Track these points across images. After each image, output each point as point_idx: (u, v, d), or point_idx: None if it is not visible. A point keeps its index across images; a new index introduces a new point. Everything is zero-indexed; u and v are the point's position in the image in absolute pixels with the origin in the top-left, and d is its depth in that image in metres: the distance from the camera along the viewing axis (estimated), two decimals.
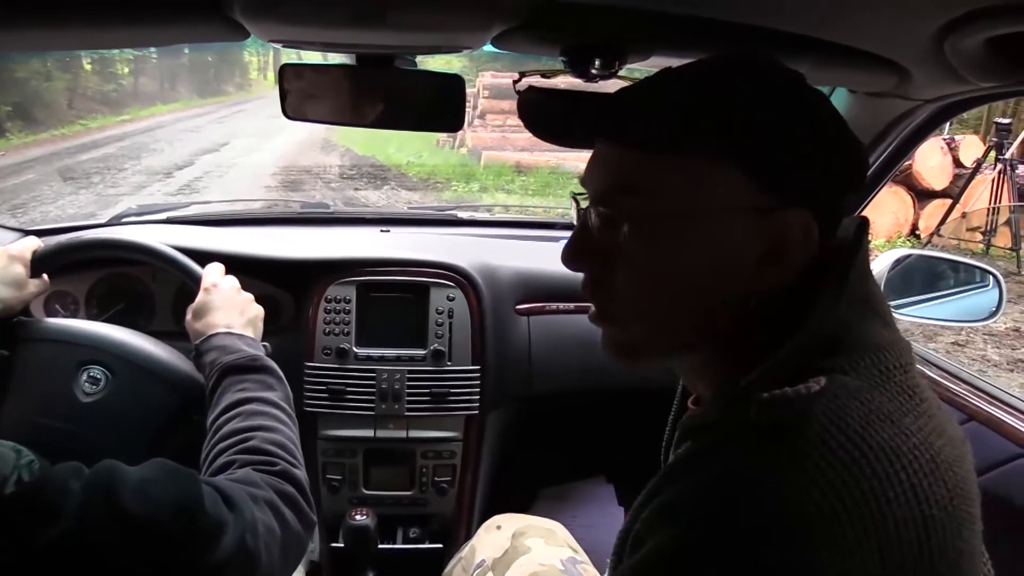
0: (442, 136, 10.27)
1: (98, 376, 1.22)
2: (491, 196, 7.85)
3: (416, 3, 0.88)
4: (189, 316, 1.27)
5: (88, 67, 15.58)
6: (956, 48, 0.85)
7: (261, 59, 20.80)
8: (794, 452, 0.56)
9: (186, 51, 17.85)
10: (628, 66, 1.02)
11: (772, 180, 0.65)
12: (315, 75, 1.24)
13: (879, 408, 0.59)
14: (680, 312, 0.69)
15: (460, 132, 9.72)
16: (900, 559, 0.54)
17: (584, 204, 0.73)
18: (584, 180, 0.73)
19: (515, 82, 1.04)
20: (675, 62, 1.05)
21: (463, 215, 2.29)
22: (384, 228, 2.09)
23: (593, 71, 1.00)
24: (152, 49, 16.00)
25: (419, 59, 1.20)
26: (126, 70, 17.15)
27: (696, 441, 0.67)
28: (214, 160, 10.29)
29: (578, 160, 9.35)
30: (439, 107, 1.19)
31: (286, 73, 1.23)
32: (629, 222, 0.67)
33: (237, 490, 0.84)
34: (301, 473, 1.00)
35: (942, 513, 0.56)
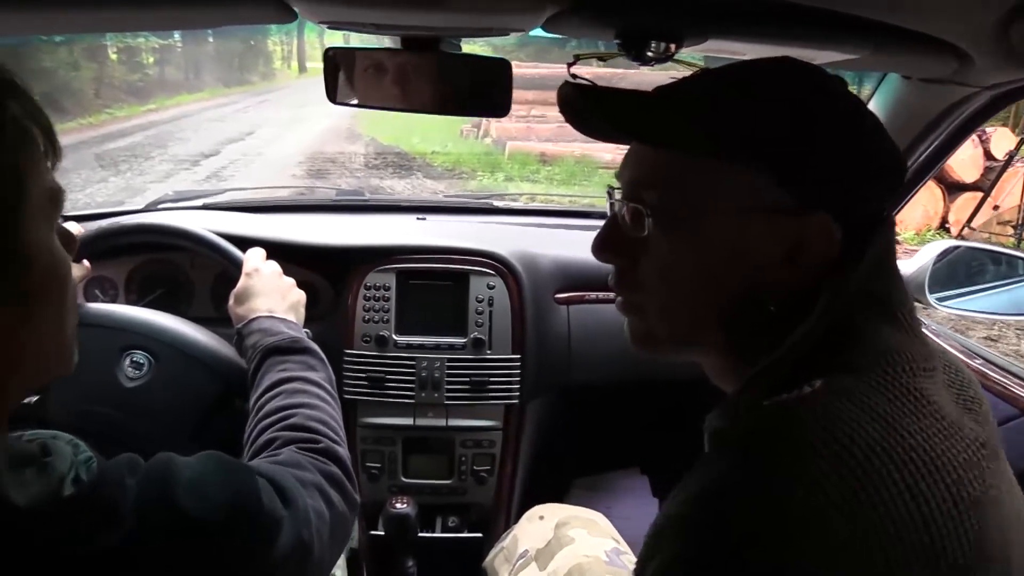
0: (466, 126, 10.26)
1: (141, 361, 1.22)
2: (516, 186, 7.83)
3: None
4: (231, 301, 1.27)
5: (114, 57, 15.68)
6: (1023, 33, 0.83)
7: (285, 48, 20.87)
8: (782, 456, 0.57)
9: (211, 40, 17.92)
10: (684, 50, 1.00)
11: (799, 184, 0.66)
12: (361, 59, 1.23)
13: (874, 409, 0.58)
14: (699, 308, 0.71)
15: (484, 122, 9.71)
16: (905, 561, 0.53)
17: (617, 197, 0.75)
18: (618, 174, 0.75)
19: (570, 65, 1.03)
20: (733, 46, 1.04)
21: (499, 203, 2.27)
22: (420, 216, 2.08)
23: (649, 54, 0.98)
24: (177, 38, 16.11)
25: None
26: (152, 60, 17.25)
27: (711, 444, 0.68)
28: (240, 149, 10.34)
29: (603, 151, 9.33)
30: (486, 91, 1.18)
31: (331, 57, 1.22)
32: (653, 217, 0.69)
33: (289, 479, 0.83)
34: (344, 451, 1.00)
35: (944, 517, 0.55)
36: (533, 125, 9.52)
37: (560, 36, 1.08)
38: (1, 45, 1.32)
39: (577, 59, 0.99)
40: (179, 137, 11.80)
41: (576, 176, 8.35)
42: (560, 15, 0.96)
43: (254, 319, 1.19)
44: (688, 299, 0.71)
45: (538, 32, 1.07)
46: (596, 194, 7.11)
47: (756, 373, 0.65)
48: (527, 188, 7.71)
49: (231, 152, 10.11)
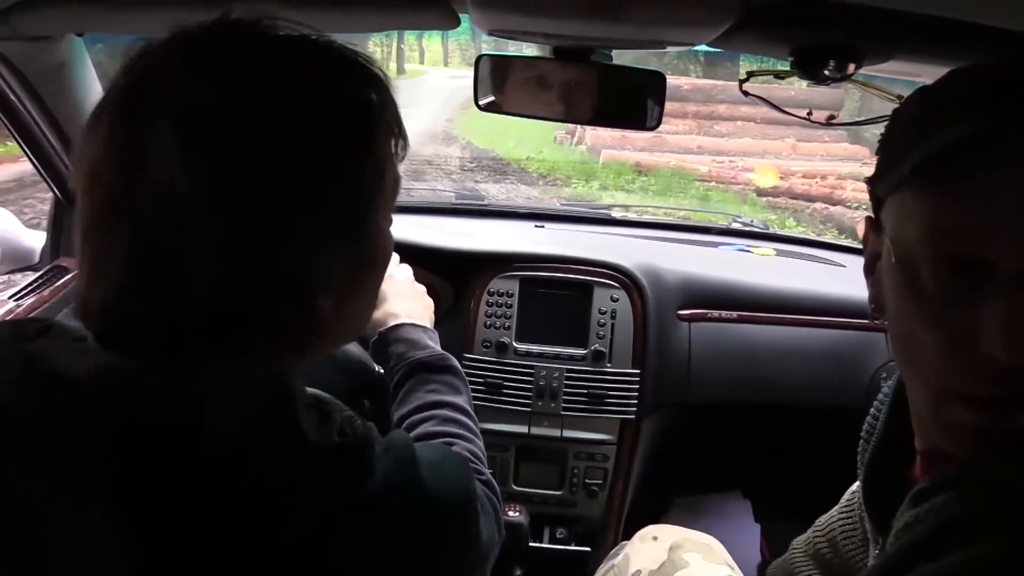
0: (560, 132, 10.25)
1: None
2: (611, 195, 7.78)
3: None
4: None
5: None
6: None
7: (384, 50, 21.31)
8: None
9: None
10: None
11: None
12: (513, 66, 1.23)
13: None
14: None
15: (579, 129, 9.68)
16: None
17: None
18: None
19: (742, 82, 1.00)
20: (915, 67, 1.00)
21: (617, 214, 2.25)
22: (539, 224, 2.08)
23: (826, 73, 0.95)
24: None
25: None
26: None
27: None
28: None
29: (700, 163, 9.20)
30: (641, 104, 1.17)
31: (482, 63, 1.23)
32: None
33: (481, 492, 0.85)
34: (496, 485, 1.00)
35: None
36: (628, 134, 9.43)
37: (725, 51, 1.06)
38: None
39: (750, 76, 0.98)
40: None
41: (672, 188, 8.24)
42: (731, 30, 0.94)
43: (398, 326, 1.20)
44: None
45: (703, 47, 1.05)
46: (692, 207, 7.01)
47: None
48: (622, 198, 7.64)
49: None
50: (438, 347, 1.18)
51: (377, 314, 1.25)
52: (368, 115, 0.65)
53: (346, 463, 0.62)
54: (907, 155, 0.60)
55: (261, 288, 0.61)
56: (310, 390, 0.68)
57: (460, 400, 1.10)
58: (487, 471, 0.99)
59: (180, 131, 0.57)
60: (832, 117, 1.10)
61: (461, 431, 1.04)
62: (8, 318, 1.35)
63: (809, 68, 0.95)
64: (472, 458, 0.99)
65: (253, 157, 0.59)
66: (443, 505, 0.69)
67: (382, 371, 1.20)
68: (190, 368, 0.58)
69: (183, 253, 0.58)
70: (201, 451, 0.56)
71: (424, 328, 1.21)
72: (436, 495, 0.68)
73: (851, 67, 0.94)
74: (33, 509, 0.56)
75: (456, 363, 1.16)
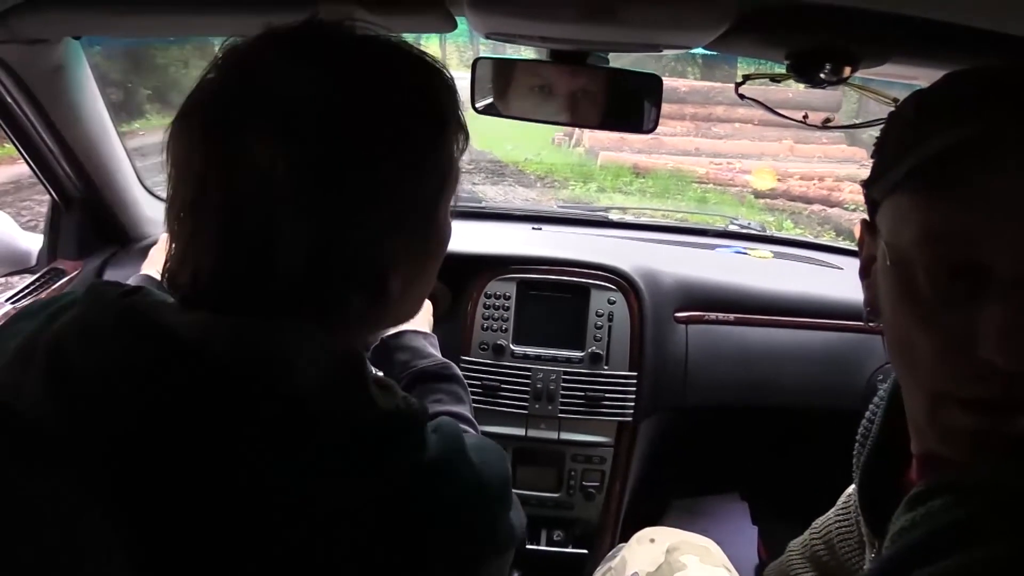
0: (558, 134, 10.24)
1: None
2: (608, 197, 7.76)
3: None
4: None
5: None
6: None
7: None
8: None
9: None
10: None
11: None
12: (510, 70, 1.23)
13: None
14: None
15: (577, 131, 9.67)
16: None
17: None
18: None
19: (738, 84, 1.00)
20: (911, 70, 1.00)
21: (614, 217, 2.26)
22: (536, 226, 2.08)
23: (822, 76, 0.95)
24: None
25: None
26: None
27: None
28: None
29: (697, 164, 9.19)
30: (637, 106, 1.17)
31: (479, 66, 1.23)
32: None
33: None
34: None
35: None
36: (627, 136, 9.45)
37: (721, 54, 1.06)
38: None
39: (747, 79, 0.98)
40: None
41: (670, 190, 8.23)
42: (728, 33, 0.94)
43: (400, 333, 1.20)
44: None
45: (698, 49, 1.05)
46: (690, 209, 7.00)
47: None
48: (620, 200, 7.63)
49: None
50: (439, 354, 1.19)
51: None
52: (440, 110, 0.71)
53: (407, 429, 0.67)
54: (903, 158, 0.60)
55: (340, 265, 0.66)
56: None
57: (464, 410, 1.11)
58: None
59: (274, 122, 0.62)
60: (828, 120, 1.10)
61: None
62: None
63: (805, 71, 0.95)
64: None
65: (339, 146, 0.64)
66: (490, 486, 0.73)
67: (381, 374, 1.20)
68: (278, 328, 0.63)
69: (273, 231, 0.63)
70: (283, 403, 0.61)
71: (425, 335, 1.22)
72: (484, 474, 0.72)
73: (847, 70, 0.94)
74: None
75: (458, 371, 1.17)
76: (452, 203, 0.77)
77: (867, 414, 0.84)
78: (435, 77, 0.71)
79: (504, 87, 1.23)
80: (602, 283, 1.67)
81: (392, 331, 1.20)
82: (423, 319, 1.26)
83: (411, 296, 0.78)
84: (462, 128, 0.74)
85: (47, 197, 1.68)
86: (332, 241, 0.65)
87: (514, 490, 1.61)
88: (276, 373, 0.62)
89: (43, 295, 1.50)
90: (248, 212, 0.64)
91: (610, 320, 1.65)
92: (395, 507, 0.64)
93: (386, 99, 0.67)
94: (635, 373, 1.65)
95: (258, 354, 0.62)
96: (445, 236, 0.78)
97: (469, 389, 1.59)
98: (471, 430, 1.07)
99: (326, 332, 0.65)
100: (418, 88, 0.70)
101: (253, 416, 0.60)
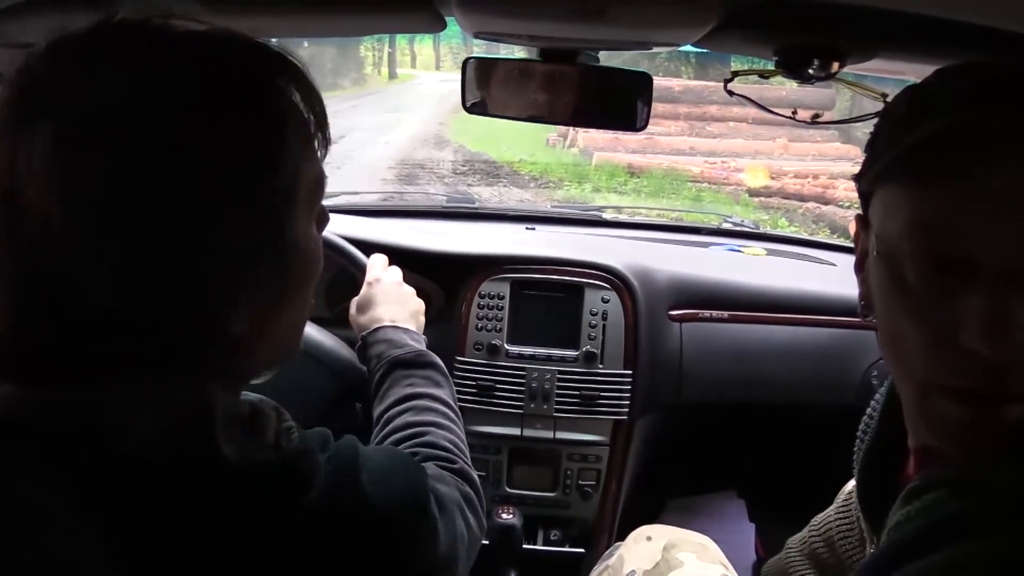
0: (552, 135, 10.26)
1: None
2: (603, 198, 7.78)
3: None
4: (353, 310, 1.28)
5: None
6: None
7: (376, 54, 21.29)
8: None
9: (305, 45, 18.42)
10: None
11: None
12: (500, 69, 1.23)
13: None
14: None
15: (571, 131, 9.69)
16: None
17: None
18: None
19: (726, 81, 1.01)
20: (899, 65, 1.00)
21: (608, 216, 2.26)
22: (529, 226, 2.08)
23: (810, 72, 0.95)
24: (274, 43, 16.62)
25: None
26: None
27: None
28: (332, 152, 10.55)
29: (692, 164, 9.22)
30: (628, 105, 1.17)
31: (470, 66, 1.23)
32: None
33: (445, 491, 0.84)
34: (475, 474, 0.99)
35: None
36: (621, 136, 9.46)
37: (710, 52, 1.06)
38: None
39: (735, 75, 0.98)
40: None
41: (664, 189, 8.25)
42: (716, 31, 0.94)
43: (378, 329, 1.20)
44: None
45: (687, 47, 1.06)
46: (685, 208, 7.01)
47: None
48: (615, 200, 7.64)
49: None
50: (418, 345, 1.18)
51: (363, 319, 1.25)
52: (275, 107, 0.60)
53: (276, 480, 0.59)
54: (892, 149, 0.60)
55: (152, 319, 0.55)
56: (252, 398, 0.65)
57: (441, 392, 1.09)
58: (463, 460, 0.98)
59: (53, 137, 0.52)
60: (817, 116, 1.10)
61: (438, 419, 1.03)
62: None
63: (793, 67, 0.95)
64: (447, 448, 0.98)
65: (132, 160, 0.53)
66: (383, 514, 0.67)
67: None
68: (90, 395, 0.54)
69: (69, 277, 0.54)
70: (112, 479, 0.52)
71: (406, 329, 1.21)
72: (375, 503, 0.66)
73: (835, 66, 0.94)
74: None
75: (436, 359, 1.16)
76: (314, 214, 0.66)
77: (868, 410, 0.84)
78: (266, 67, 0.61)
79: (494, 86, 1.22)
80: (596, 282, 1.67)
81: (373, 327, 1.20)
82: (410, 317, 1.25)
83: (276, 332, 0.66)
84: (316, 125, 0.63)
85: None
86: (134, 290, 0.54)
87: (511, 490, 1.65)
88: (109, 441, 0.53)
89: None
90: (36, 262, 0.54)
91: (604, 319, 1.65)
92: (283, 561, 0.58)
93: (191, 98, 0.55)
94: (630, 371, 1.64)
95: (72, 430, 0.53)
96: (307, 257, 0.66)
97: (464, 390, 1.61)
98: (445, 410, 1.06)
99: (172, 384, 0.56)
100: (241, 84, 0.59)
101: (95, 487, 0.52)
